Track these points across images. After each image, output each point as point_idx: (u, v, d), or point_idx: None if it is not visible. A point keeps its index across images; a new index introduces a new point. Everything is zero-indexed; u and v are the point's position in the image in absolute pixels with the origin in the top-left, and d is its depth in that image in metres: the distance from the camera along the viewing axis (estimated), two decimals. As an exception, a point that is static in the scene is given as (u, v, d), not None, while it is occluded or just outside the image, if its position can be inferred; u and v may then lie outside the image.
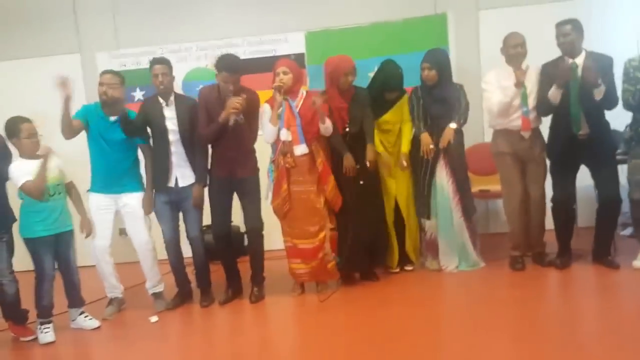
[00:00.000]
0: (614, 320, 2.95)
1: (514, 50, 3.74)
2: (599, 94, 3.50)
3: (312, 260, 3.67)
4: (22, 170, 3.28)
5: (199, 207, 3.78)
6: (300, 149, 3.61)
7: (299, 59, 5.00)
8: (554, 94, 3.60)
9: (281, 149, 3.64)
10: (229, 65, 3.57)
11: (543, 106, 3.73)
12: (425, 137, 3.88)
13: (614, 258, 3.76)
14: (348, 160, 3.74)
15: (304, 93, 3.74)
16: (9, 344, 3.46)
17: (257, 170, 3.78)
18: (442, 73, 3.90)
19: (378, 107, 3.97)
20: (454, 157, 3.92)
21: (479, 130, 4.75)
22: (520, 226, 3.91)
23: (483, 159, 4.35)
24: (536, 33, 3.79)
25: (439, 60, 3.93)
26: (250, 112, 3.63)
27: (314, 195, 3.64)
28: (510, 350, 2.70)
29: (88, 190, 3.72)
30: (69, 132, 3.60)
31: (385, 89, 3.98)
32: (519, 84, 3.66)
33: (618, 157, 3.84)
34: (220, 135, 3.61)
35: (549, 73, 3.68)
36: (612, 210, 3.70)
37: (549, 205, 3.87)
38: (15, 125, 3.34)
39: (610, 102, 3.58)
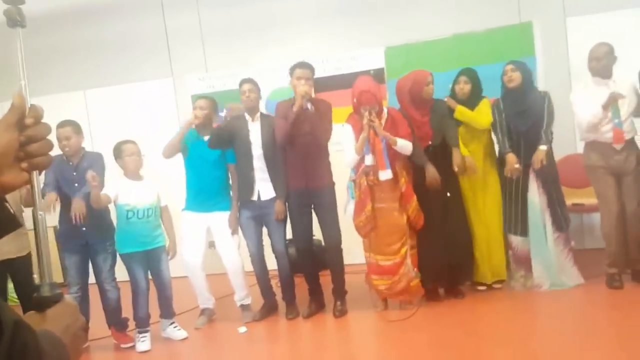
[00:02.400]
0: None
1: (597, 63, 3.59)
2: None
3: (393, 276, 3.65)
4: (112, 186, 3.55)
5: (281, 221, 3.89)
6: (386, 175, 3.58)
7: (378, 74, 5.05)
8: None
9: (364, 170, 3.66)
10: (300, 62, 3.75)
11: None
12: (511, 158, 3.75)
13: None
14: (430, 173, 3.69)
15: (386, 111, 3.75)
16: (110, 349, 3.72)
17: (332, 182, 3.83)
18: (525, 76, 3.80)
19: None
20: (544, 170, 3.76)
21: (570, 141, 4.52)
22: (617, 242, 3.67)
23: (576, 171, 4.15)
24: (628, 38, 3.59)
25: (522, 64, 3.85)
26: (322, 120, 3.72)
27: (397, 213, 3.63)
28: None
29: (183, 209, 3.94)
30: (171, 152, 3.86)
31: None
32: (607, 107, 3.49)
33: None
34: (294, 139, 3.69)
35: None
36: None
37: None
38: (119, 147, 3.63)
39: None
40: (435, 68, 4.32)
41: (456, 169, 3.74)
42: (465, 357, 2.91)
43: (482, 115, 3.85)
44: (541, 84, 4.50)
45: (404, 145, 3.61)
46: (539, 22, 4.77)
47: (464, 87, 3.89)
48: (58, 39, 5.55)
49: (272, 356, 3.38)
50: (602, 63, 3.58)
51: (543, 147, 3.68)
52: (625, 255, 3.71)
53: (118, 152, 3.62)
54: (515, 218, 3.85)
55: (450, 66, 4.87)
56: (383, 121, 3.65)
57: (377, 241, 3.68)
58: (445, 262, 3.74)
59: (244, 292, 4.00)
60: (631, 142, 3.63)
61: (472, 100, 3.93)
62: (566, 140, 4.36)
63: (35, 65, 5.18)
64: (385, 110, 3.76)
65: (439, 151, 3.80)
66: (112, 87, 5.61)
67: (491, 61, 4.72)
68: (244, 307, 4.01)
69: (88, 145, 3.95)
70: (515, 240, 3.88)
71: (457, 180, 3.86)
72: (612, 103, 3.48)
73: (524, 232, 3.83)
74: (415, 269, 3.67)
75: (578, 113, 3.66)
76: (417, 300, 3.76)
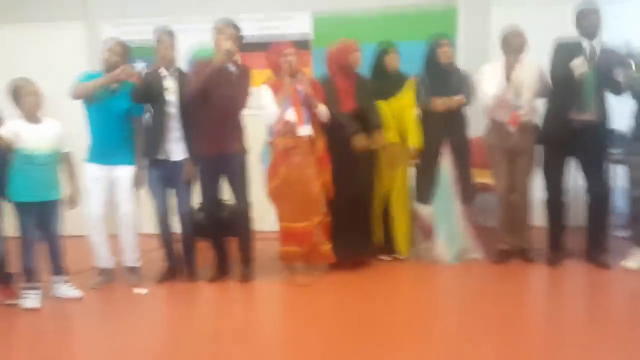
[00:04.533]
0: (597, 317, 2.96)
1: (508, 49, 3.77)
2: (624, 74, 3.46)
3: (306, 243, 3.65)
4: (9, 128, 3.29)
5: (189, 184, 3.77)
6: (305, 130, 3.61)
7: (304, 41, 4.98)
8: (579, 63, 3.49)
9: (282, 130, 3.61)
10: (225, 19, 3.64)
11: (555, 82, 3.68)
12: (439, 101, 3.80)
13: (605, 258, 3.72)
14: (358, 140, 3.71)
15: (303, 74, 3.74)
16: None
17: (245, 148, 3.74)
18: (455, 55, 3.92)
19: (388, 89, 3.96)
20: (459, 144, 3.92)
21: (481, 123, 4.69)
22: (504, 220, 3.91)
23: (483, 151, 4.32)
24: (544, 31, 3.74)
25: (452, 41, 3.97)
26: (240, 85, 3.63)
27: (312, 178, 3.61)
28: (494, 344, 2.68)
29: (85, 160, 3.70)
30: (81, 95, 3.60)
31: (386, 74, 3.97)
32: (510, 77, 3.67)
33: (616, 156, 3.84)
34: (209, 100, 3.54)
35: (567, 49, 3.62)
36: (601, 207, 3.70)
37: (540, 199, 3.86)
38: (15, 85, 3.35)
39: (619, 88, 3.55)
40: (363, 39, 4.25)
41: (374, 147, 3.80)
42: (362, 321, 2.99)
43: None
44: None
45: (322, 111, 3.63)
46: (464, 6, 4.86)
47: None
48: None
49: (170, 319, 3.30)
50: (513, 52, 3.74)
51: (458, 97, 3.80)
52: (515, 233, 3.94)
53: (14, 90, 3.33)
54: (426, 187, 3.96)
55: (377, 39, 4.92)
56: (303, 83, 3.64)
57: (291, 207, 3.64)
58: (353, 232, 3.80)
59: (135, 254, 3.84)
60: (528, 124, 3.81)
61: (399, 77, 3.95)
62: (477, 122, 4.50)
63: None
64: (302, 73, 3.74)
65: (361, 123, 3.80)
66: (14, 25, 5.15)
67: (414, 38, 4.77)
68: (133, 270, 3.86)
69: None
70: (423, 210, 4.00)
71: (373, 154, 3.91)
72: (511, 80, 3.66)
73: (431, 201, 3.96)
74: (325, 238, 3.70)
75: (482, 89, 3.80)
76: (324, 266, 3.80)
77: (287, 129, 3.59)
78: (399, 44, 4.13)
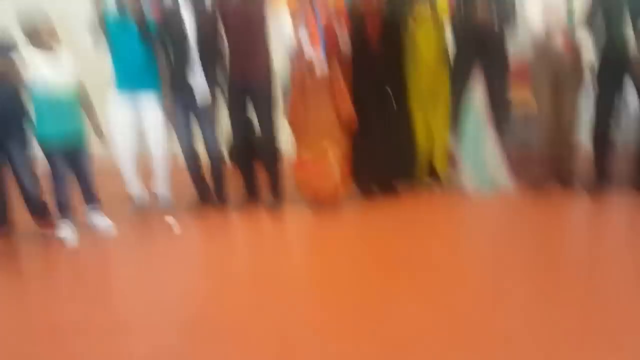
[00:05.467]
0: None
1: None
2: None
3: (319, 174, 3.57)
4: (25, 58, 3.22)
5: (213, 112, 3.70)
6: (320, 53, 3.41)
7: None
8: None
9: (301, 64, 3.44)
10: None
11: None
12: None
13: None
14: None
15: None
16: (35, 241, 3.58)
17: (271, 75, 3.61)
18: None
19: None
20: (494, 63, 3.64)
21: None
22: (547, 141, 3.70)
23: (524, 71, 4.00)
24: None
25: None
26: (257, 7, 3.48)
27: (331, 112, 3.47)
28: (524, 282, 2.54)
29: (113, 88, 3.66)
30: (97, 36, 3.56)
31: None
32: None
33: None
34: (228, 28, 3.47)
35: None
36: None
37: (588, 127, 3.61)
38: (27, 15, 3.24)
39: None
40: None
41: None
42: (389, 257, 2.90)
43: None
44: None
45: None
46: None
47: None
48: None
49: (204, 253, 3.34)
50: None
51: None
52: (557, 160, 3.74)
53: (27, 20, 3.23)
54: (457, 114, 3.74)
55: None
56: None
57: (306, 137, 3.54)
58: (380, 159, 3.68)
59: (165, 183, 3.89)
60: (576, 51, 3.50)
61: None
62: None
63: None
64: None
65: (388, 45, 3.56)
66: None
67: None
68: (164, 197, 3.92)
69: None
70: (456, 138, 3.81)
71: (404, 75, 3.69)
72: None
73: (463, 129, 3.75)
74: (344, 174, 3.59)
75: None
76: (351, 198, 3.72)
77: (306, 67, 3.42)
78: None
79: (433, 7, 3.64)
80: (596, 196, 3.57)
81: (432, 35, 3.67)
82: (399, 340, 2.02)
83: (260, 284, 2.67)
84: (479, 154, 3.76)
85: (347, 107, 3.50)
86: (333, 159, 3.53)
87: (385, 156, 3.70)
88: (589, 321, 2.09)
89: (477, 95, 3.68)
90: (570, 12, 3.39)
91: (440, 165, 3.92)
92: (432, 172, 3.95)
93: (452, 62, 3.76)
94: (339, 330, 2.13)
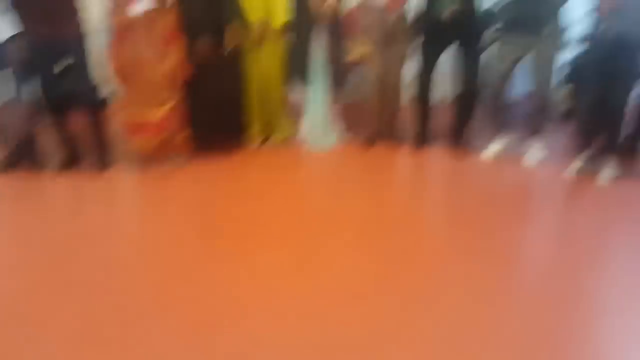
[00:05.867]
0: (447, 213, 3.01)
1: None
2: None
3: (159, 133, 3.36)
4: None
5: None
6: (140, 5, 3.08)
7: None
8: None
9: (112, 5, 3.09)
10: None
11: None
12: None
13: (467, 143, 3.79)
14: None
15: None
16: None
17: (81, 30, 3.23)
18: None
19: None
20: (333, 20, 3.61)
21: None
22: (376, 101, 3.82)
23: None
24: None
25: None
26: None
27: (156, 61, 3.20)
28: (353, 242, 2.60)
29: None
30: None
31: None
32: None
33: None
34: None
35: None
36: (472, 93, 3.65)
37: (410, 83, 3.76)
38: None
39: None
40: None
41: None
42: (220, 218, 2.86)
43: None
44: None
45: None
46: None
47: None
48: None
49: (17, 225, 3.02)
50: None
51: None
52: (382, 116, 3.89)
53: None
54: (300, 65, 3.69)
55: None
56: None
57: (134, 94, 3.26)
58: (215, 117, 3.55)
59: None
60: (402, 8, 3.57)
61: None
62: None
63: None
64: None
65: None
66: None
67: None
68: None
69: None
70: (295, 89, 3.77)
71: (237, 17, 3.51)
72: None
73: (305, 80, 3.71)
74: (179, 126, 3.41)
75: None
76: (183, 157, 3.57)
77: (117, 5, 3.06)
78: None
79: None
80: (418, 150, 3.80)
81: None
82: (213, 304, 2.03)
83: (78, 251, 2.51)
84: (319, 108, 3.76)
85: (178, 55, 3.25)
86: (168, 113, 3.31)
87: (217, 109, 3.56)
88: (412, 271, 2.23)
89: (319, 46, 3.63)
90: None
91: (276, 119, 3.87)
92: (268, 127, 3.90)
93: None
94: (152, 296, 2.08)
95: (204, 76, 3.39)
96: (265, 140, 3.92)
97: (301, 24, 3.58)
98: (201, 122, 3.51)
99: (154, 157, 3.51)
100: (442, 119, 3.93)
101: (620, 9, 2.97)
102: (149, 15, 3.12)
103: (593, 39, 3.14)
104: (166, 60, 3.22)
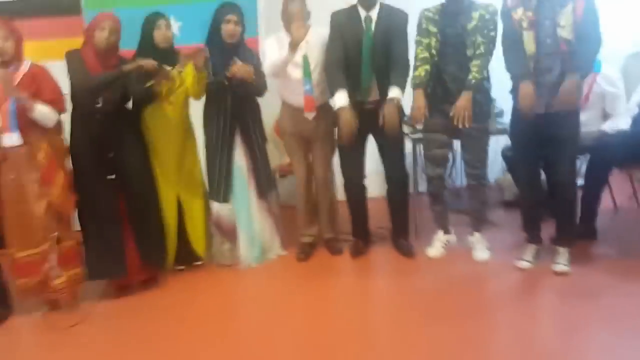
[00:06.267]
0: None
1: (288, 19, 3.25)
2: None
3: (36, 275, 2.93)
4: None
5: None
6: (11, 139, 2.81)
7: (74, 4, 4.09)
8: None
9: None
10: None
11: (328, 62, 3.24)
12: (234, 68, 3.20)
13: (408, 245, 3.50)
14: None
15: (27, 65, 2.90)
16: None
17: None
18: (243, 29, 3.32)
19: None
20: (251, 130, 3.41)
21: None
22: (307, 210, 3.57)
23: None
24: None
25: (242, 14, 3.30)
26: None
27: (33, 198, 2.86)
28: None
29: None
30: None
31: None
32: (294, 44, 3.14)
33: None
34: None
35: (341, 23, 3.20)
36: (402, 189, 3.43)
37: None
38: None
39: (403, 64, 3.18)
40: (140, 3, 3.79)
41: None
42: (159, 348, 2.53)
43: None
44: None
45: (45, 115, 2.84)
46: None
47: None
48: None
49: None
50: (294, 20, 3.19)
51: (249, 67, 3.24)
52: (319, 223, 3.63)
53: None
54: (220, 182, 3.41)
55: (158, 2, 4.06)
56: (22, 76, 2.83)
57: (10, 233, 2.90)
58: (122, 247, 3.15)
59: None
60: (325, 106, 3.40)
61: (174, 54, 3.32)
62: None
63: None
64: (26, 63, 2.90)
65: (112, 119, 3.10)
66: None
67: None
68: None
69: None
70: (220, 208, 3.47)
71: (144, 146, 3.29)
72: (294, 48, 3.16)
73: (228, 198, 3.44)
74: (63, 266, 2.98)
75: (268, 55, 3.30)
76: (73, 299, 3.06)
77: None
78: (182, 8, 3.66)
79: (174, 79, 3.27)
80: (356, 258, 3.50)
81: (175, 110, 3.32)
82: None
83: None
84: (249, 224, 3.48)
85: (59, 189, 2.94)
86: (47, 253, 2.92)
87: (129, 240, 3.21)
88: None
89: (239, 160, 3.43)
90: (306, 65, 3.27)
91: (200, 244, 3.53)
92: (190, 254, 3.53)
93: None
94: None
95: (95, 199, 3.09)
96: (188, 260, 3.53)
97: (217, 135, 3.39)
98: (105, 255, 3.13)
99: (42, 300, 3.06)
100: (380, 218, 3.67)
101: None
102: (22, 150, 2.85)
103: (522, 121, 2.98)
104: (44, 196, 2.89)
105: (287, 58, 3.18)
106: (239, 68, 3.17)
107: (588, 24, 2.73)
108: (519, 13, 2.84)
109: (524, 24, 2.82)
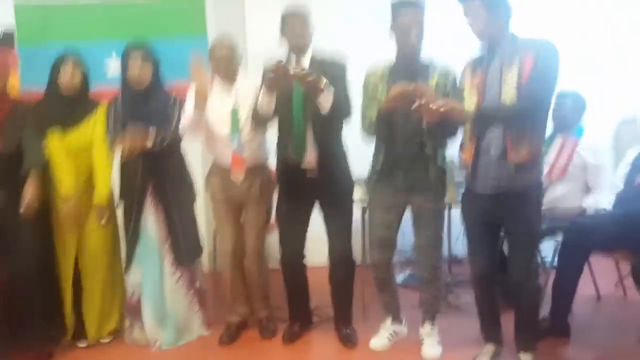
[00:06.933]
0: None
1: (217, 64, 2.83)
2: (325, 101, 2.57)
3: None
4: None
5: None
6: None
7: (8, 35, 3.74)
8: (263, 101, 2.65)
9: None
10: None
11: (257, 118, 2.79)
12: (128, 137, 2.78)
13: (351, 334, 2.98)
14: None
15: None
16: None
17: None
18: (156, 71, 2.87)
19: (62, 117, 2.83)
20: (168, 190, 2.93)
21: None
22: (235, 286, 3.07)
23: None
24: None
25: (154, 51, 2.87)
26: None
27: None
28: None
29: None
30: None
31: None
32: (201, 100, 2.70)
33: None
34: None
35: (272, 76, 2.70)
36: (346, 270, 2.92)
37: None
38: None
39: (340, 114, 2.70)
40: (81, 35, 3.53)
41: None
42: None
43: None
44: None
45: None
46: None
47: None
48: None
49: None
50: (222, 65, 2.82)
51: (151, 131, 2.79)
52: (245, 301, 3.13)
53: None
54: (129, 254, 2.96)
55: (102, 34, 3.73)
56: None
57: None
58: (14, 322, 2.73)
59: None
60: (257, 167, 2.96)
61: (81, 99, 2.90)
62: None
63: None
64: None
65: (10, 165, 2.71)
66: None
67: (156, 34, 3.66)
68: None
69: None
70: (129, 281, 3.00)
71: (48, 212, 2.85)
72: (201, 101, 2.71)
73: (133, 267, 2.96)
74: None
75: (186, 108, 2.81)
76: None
77: None
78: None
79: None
80: (289, 343, 3.00)
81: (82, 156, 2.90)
82: None
83: None
84: (160, 300, 2.99)
85: None
86: None
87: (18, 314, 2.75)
88: None
89: (151, 226, 2.96)
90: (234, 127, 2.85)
91: (96, 319, 3.03)
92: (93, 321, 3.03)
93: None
94: None
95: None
96: (92, 338, 3.03)
97: (129, 197, 2.94)
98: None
99: None
100: (321, 295, 3.16)
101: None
102: None
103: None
104: None
105: (195, 117, 2.74)
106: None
107: (534, 87, 2.24)
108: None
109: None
